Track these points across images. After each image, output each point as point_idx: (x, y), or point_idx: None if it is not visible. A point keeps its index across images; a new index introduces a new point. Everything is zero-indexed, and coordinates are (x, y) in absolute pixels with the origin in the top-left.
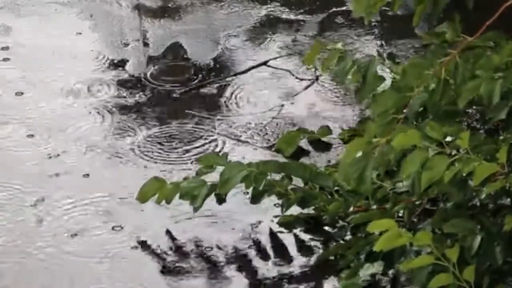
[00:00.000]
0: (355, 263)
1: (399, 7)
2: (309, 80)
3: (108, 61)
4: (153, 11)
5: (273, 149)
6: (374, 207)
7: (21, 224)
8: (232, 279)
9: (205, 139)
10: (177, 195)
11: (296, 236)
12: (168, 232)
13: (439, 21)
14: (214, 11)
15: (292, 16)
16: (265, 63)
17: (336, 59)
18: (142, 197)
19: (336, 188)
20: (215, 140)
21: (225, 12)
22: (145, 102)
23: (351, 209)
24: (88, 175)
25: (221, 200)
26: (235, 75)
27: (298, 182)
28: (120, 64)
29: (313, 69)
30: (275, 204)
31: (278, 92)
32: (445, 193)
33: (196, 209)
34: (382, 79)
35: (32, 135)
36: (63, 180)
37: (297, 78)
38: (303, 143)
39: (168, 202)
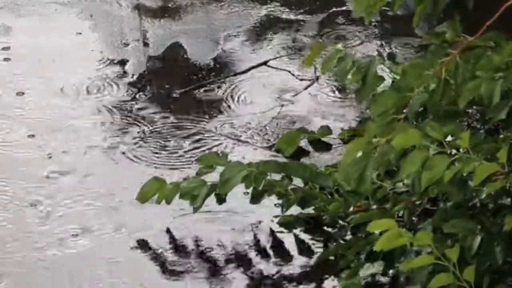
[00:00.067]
0: (355, 263)
1: (399, 7)
2: (309, 80)
3: (108, 61)
4: (153, 11)
5: (273, 149)
6: (374, 207)
7: (21, 224)
8: (232, 279)
9: (205, 139)
10: (177, 195)
11: (296, 236)
12: (168, 232)
13: (439, 21)
14: (214, 11)
15: (292, 16)
16: (265, 63)
17: (336, 59)
18: (142, 197)
19: (336, 188)
20: (215, 140)
21: (225, 12)
22: (145, 102)
23: (351, 209)
24: (88, 175)
25: (221, 200)
26: (235, 75)
27: (298, 182)
28: (120, 64)
29: (313, 69)
30: (275, 204)
31: (278, 92)
32: (445, 193)
33: (196, 209)
34: (382, 79)
35: (33, 135)
36: (63, 180)
37: (297, 78)
38: (303, 143)
39: (168, 202)
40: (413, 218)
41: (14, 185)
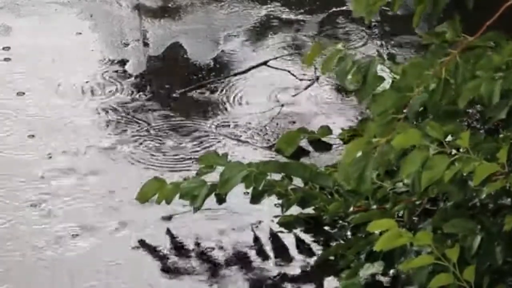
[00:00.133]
0: (355, 263)
1: (399, 7)
2: (309, 80)
3: (108, 61)
4: (153, 11)
5: (273, 149)
6: (374, 207)
7: (22, 224)
8: (232, 279)
9: (205, 139)
10: (177, 195)
11: (296, 236)
12: (168, 232)
13: (439, 21)
14: (214, 11)
15: (292, 16)
16: (265, 63)
17: (336, 59)
18: (142, 197)
19: (336, 188)
20: (215, 140)
21: (225, 12)
22: (145, 102)
23: (351, 209)
24: (88, 175)
25: (221, 200)
26: (235, 75)
27: (298, 182)
28: (120, 64)
29: (313, 69)
30: (275, 204)
31: (278, 92)
32: (445, 193)
33: (196, 209)
34: (382, 79)
35: (33, 135)
36: (63, 180)
37: (297, 78)
38: (303, 143)
39: (168, 202)
40: (413, 218)
41: (14, 185)
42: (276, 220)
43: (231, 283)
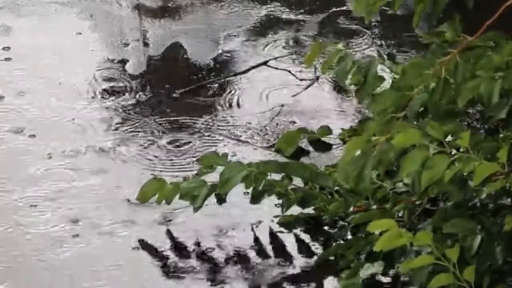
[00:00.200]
0: (355, 263)
1: (399, 7)
2: (309, 80)
3: (108, 61)
4: (153, 11)
5: (273, 149)
6: (374, 207)
7: (22, 224)
8: (232, 279)
9: (205, 139)
10: (177, 195)
11: (296, 236)
12: (168, 232)
13: (439, 21)
14: (214, 11)
15: (292, 16)
16: (265, 63)
17: (336, 59)
18: (142, 197)
19: (336, 188)
20: (215, 140)
21: (225, 12)
22: (145, 102)
23: (351, 209)
24: (88, 175)
25: (221, 200)
26: (235, 75)
27: (298, 182)
28: (120, 64)
29: (313, 69)
30: (275, 204)
31: (278, 92)
32: (445, 193)
33: (196, 209)
34: (382, 79)
35: (33, 135)
36: (64, 180)
37: (297, 78)
38: (303, 143)
39: (168, 203)
40: (413, 218)
41: (14, 186)
42: (276, 220)
43: (231, 283)
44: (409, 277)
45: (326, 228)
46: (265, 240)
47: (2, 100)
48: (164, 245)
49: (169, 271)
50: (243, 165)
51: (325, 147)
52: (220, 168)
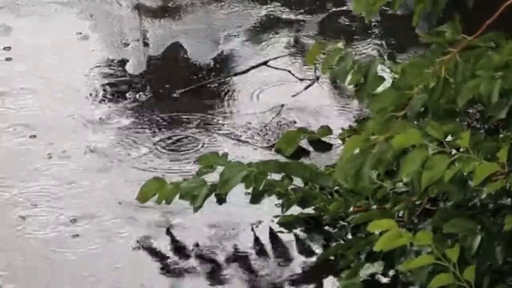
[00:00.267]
0: (355, 263)
1: (399, 7)
2: (309, 80)
3: (108, 61)
4: (153, 11)
5: (273, 149)
6: (374, 207)
7: (22, 224)
8: (232, 279)
9: (205, 139)
10: (177, 195)
11: (296, 236)
12: (168, 232)
13: (439, 21)
14: (214, 11)
15: (292, 16)
16: (265, 63)
17: (336, 59)
18: (142, 197)
19: (336, 188)
20: (215, 140)
21: (225, 12)
22: (145, 102)
23: (351, 209)
24: (88, 175)
25: (221, 200)
26: (235, 75)
27: (298, 182)
28: (120, 64)
29: (313, 69)
30: (275, 204)
31: (278, 92)
32: (445, 193)
33: (196, 209)
34: (383, 79)
35: (33, 136)
36: (64, 180)
37: (297, 78)
38: (303, 143)
39: (168, 202)
40: (413, 218)
41: (14, 186)
42: (276, 220)
43: (231, 283)
44: (409, 277)
45: (326, 228)
46: (265, 240)
47: (2, 100)
48: (164, 245)
49: (169, 271)
50: (243, 165)
51: (325, 147)
52: (220, 168)
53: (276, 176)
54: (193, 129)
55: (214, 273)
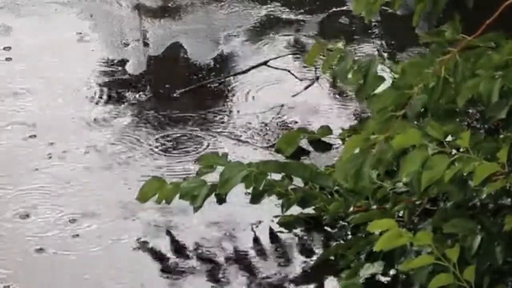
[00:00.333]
0: (355, 263)
1: (399, 7)
2: (309, 80)
3: (108, 61)
4: (153, 11)
5: (273, 149)
6: (374, 207)
7: (22, 224)
8: (232, 279)
9: (205, 139)
10: (177, 195)
11: (296, 236)
12: (168, 232)
13: (439, 21)
14: (214, 11)
15: (292, 16)
16: (265, 63)
17: (336, 59)
18: (142, 197)
19: (336, 188)
20: (215, 140)
21: (225, 12)
22: (145, 102)
23: (351, 209)
24: (88, 175)
25: (221, 200)
26: (235, 75)
27: (298, 182)
28: (120, 64)
29: (313, 69)
30: (275, 204)
31: (278, 92)
32: (445, 193)
33: (196, 209)
34: (383, 79)
35: (33, 136)
36: (64, 180)
37: (297, 78)
38: (303, 143)
39: (168, 202)
40: (413, 218)
41: (14, 186)
42: (276, 220)
43: (231, 283)
44: (409, 277)
45: (326, 228)
46: (265, 240)
47: (2, 100)
48: (164, 245)
49: (169, 271)
50: (243, 165)
51: (325, 147)
52: (220, 168)
53: (276, 176)
54: (193, 129)
55: (214, 273)
